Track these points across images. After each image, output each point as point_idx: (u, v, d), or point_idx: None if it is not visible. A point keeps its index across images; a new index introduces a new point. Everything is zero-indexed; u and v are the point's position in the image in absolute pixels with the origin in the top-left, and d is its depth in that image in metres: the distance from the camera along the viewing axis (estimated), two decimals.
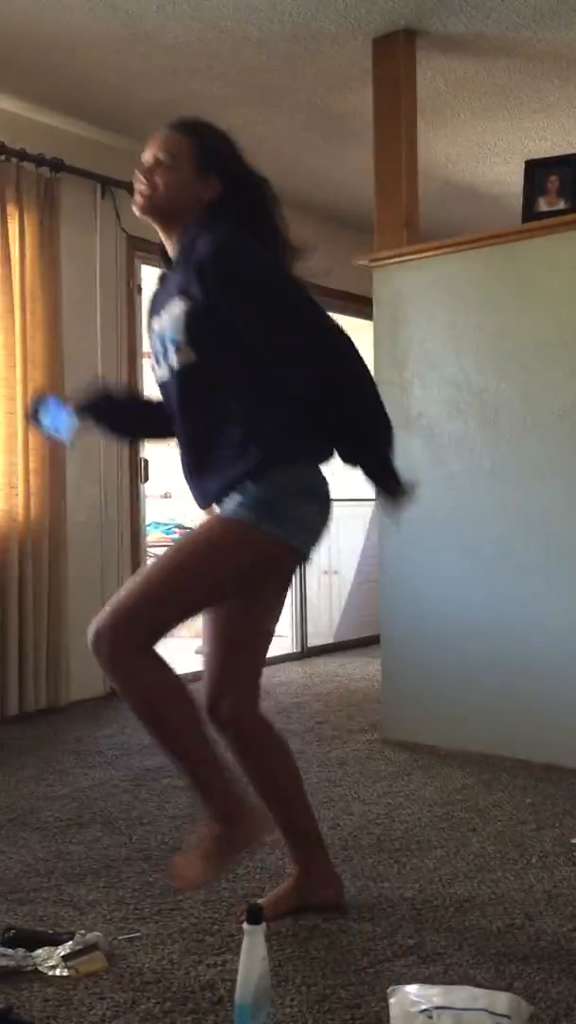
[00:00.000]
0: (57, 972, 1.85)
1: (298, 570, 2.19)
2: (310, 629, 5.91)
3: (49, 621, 4.21)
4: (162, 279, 2.18)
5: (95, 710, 4.30)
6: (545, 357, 3.32)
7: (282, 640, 6.01)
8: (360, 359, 1.99)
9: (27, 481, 4.13)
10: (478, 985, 1.73)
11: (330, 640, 6.08)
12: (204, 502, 2.08)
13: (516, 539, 3.35)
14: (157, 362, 2.08)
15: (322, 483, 2.07)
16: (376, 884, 2.30)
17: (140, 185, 2.09)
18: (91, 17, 3.51)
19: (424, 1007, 1.59)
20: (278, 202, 2.14)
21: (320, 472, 2.06)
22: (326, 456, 2.06)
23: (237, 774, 2.06)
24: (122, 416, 2.32)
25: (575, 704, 3.21)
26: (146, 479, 4.90)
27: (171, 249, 2.11)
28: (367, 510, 6.10)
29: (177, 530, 6.52)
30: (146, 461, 4.88)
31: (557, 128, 4.60)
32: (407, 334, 3.62)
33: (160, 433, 2.23)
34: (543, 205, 3.48)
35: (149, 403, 2.32)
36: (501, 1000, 1.61)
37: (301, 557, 2.01)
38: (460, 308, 3.51)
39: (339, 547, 6.33)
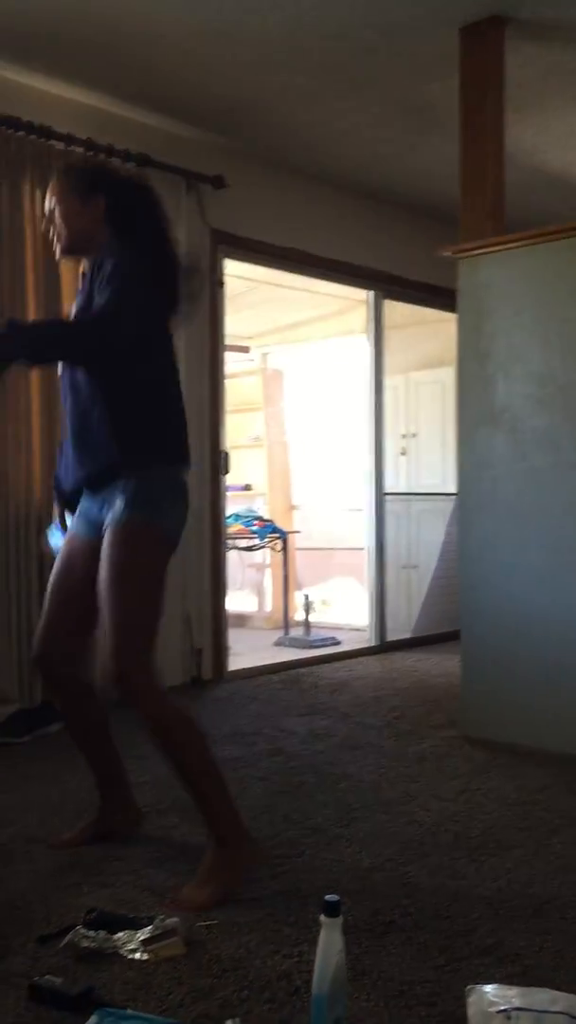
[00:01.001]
0: (137, 956, 1.89)
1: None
2: (389, 623, 5.89)
3: None
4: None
5: (175, 698, 4.34)
6: None
7: (361, 634, 6.00)
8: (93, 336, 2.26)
9: None
10: (557, 988, 1.70)
11: (408, 635, 6.04)
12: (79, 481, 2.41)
13: None
14: None
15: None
16: (453, 882, 2.29)
17: (51, 236, 2.45)
18: (176, 12, 3.53)
19: (503, 1007, 1.57)
20: (158, 202, 2.45)
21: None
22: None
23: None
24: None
25: None
26: (227, 471, 4.93)
27: (89, 273, 2.45)
28: (447, 504, 6.05)
29: (257, 522, 6.55)
30: (226, 454, 4.91)
31: None
32: (492, 327, 3.57)
33: None
34: None
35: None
36: None
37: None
38: (547, 300, 3.45)
39: (419, 541, 6.30)
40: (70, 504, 2.50)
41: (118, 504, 2.26)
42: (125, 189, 2.44)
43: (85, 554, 2.38)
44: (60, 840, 2.54)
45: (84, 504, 2.43)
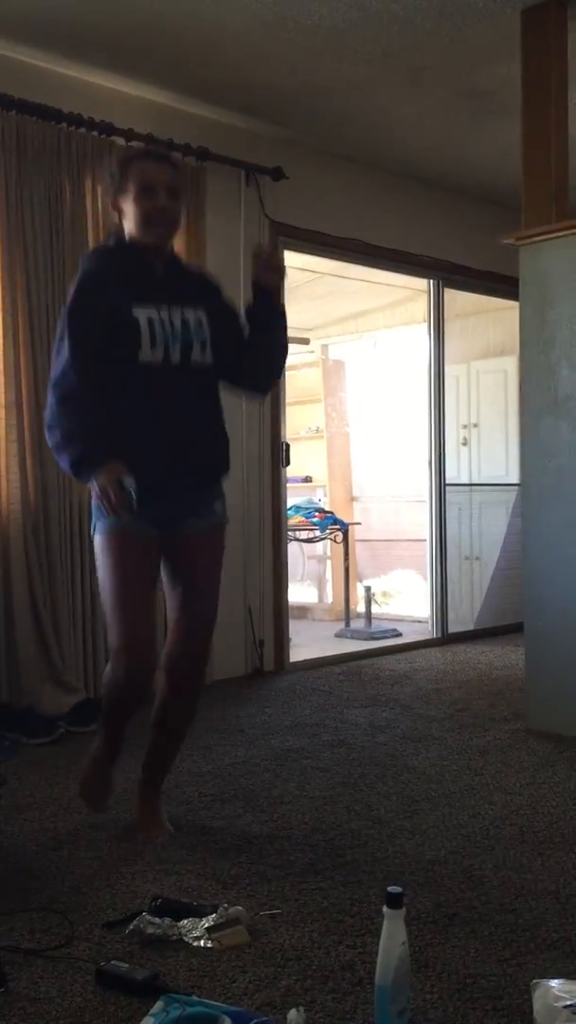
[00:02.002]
0: (201, 943, 1.91)
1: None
2: (451, 615, 5.84)
3: None
4: (131, 272, 2.47)
5: (237, 689, 4.38)
6: None
7: (422, 626, 5.97)
8: None
9: None
10: None
11: (470, 627, 5.99)
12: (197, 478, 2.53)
13: None
14: (153, 346, 2.39)
15: None
16: (518, 875, 2.26)
17: (164, 216, 2.45)
18: (235, 3, 3.53)
19: (569, 1002, 1.55)
20: None
21: None
22: None
23: None
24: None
25: None
26: (287, 463, 4.94)
27: (154, 259, 2.49)
28: (510, 495, 5.97)
29: (318, 514, 6.55)
30: (287, 445, 4.92)
31: None
32: (555, 314, 3.51)
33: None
34: None
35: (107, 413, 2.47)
36: None
37: None
38: None
39: (481, 533, 6.23)
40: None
41: (218, 507, 2.58)
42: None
43: (150, 550, 2.46)
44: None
45: (151, 503, 2.38)
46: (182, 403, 2.45)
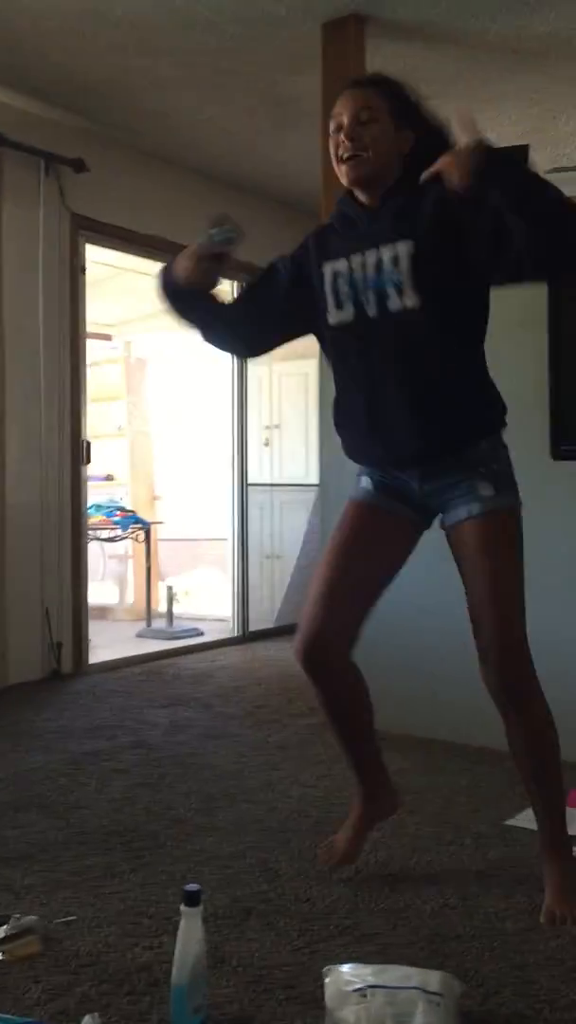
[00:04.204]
0: None
1: None
2: (251, 613, 5.92)
3: None
4: (344, 226, 2.12)
5: (32, 693, 4.26)
6: None
7: (223, 624, 6.01)
8: None
9: None
10: (413, 964, 1.76)
11: (271, 624, 6.09)
12: (421, 451, 2.03)
13: None
14: (339, 305, 2.05)
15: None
16: (313, 866, 2.32)
17: (347, 145, 2.00)
18: None
19: (358, 986, 1.61)
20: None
21: None
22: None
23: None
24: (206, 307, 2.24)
25: None
26: (88, 461, 4.85)
27: (368, 200, 2.06)
28: (310, 495, 6.12)
29: (119, 512, 6.47)
30: (88, 443, 4.83)
31: (505, 119, 4.64)
32: None
33: (234, 341, 2.37)
34: None
35: (235, 309, 2.31)
36: (434, 979, 1.63)
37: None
38: None
39: (282, 531, 6.35)
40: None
41: (485, 489, 1.99)
42: (436, 136, 2.01)
43: (389, 532, 2.15)
44: (337, 853, 2.28)
45: (394, 480, 2.12)
46: (382, 367, 2.03)
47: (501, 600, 1.98)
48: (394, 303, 1.98)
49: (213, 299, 2.21)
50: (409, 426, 2.02)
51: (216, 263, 2.10)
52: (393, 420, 2.03)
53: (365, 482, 2.20)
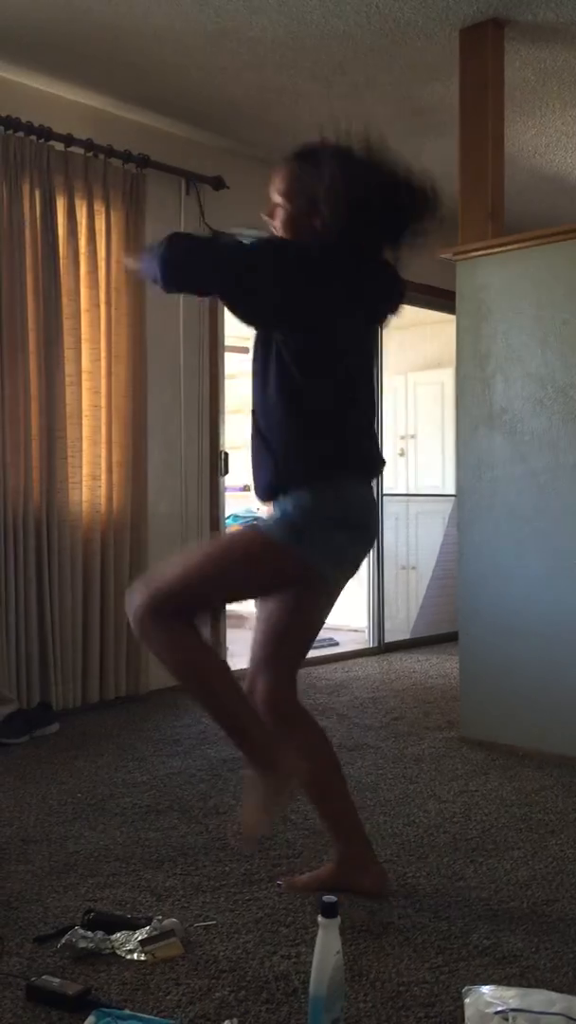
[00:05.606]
0: (134, 956, 1.89)
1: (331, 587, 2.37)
2: (387, 625, 5.89)
3: None
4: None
5: (174, 699, 4.35)
6: None
7: (359, 635, 6.00)
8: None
9: (110, 473, 4.20)
10: (555, 989, 1.70)
11: (407, 636, 6.04)
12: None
13: None
14: None
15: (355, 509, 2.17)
16: (451, 883, 2.29)
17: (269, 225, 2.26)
18: (178, 12, 3.53)
19: (500, 1008, 1.57)
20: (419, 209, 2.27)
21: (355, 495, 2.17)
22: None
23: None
24: None
25: None
26: (226, 472, 4.93)
27: None
28: (446, 505, 6.05)
29: (256, 522, 6.54)
30: (226, 454, 4.91)
31: None
32: (490, 328, 3.57)
33: None
34: None
35: None
36: None
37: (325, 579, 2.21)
38: (545, 302, 3.45)
39: (417, 542, 6.30)
40: None
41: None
42: (358, 214, 2.29)
43: None
44: (293, 882, 2.27)
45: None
46: (365, 392, 2.28)
47: None
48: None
49: None
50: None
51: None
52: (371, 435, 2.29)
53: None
